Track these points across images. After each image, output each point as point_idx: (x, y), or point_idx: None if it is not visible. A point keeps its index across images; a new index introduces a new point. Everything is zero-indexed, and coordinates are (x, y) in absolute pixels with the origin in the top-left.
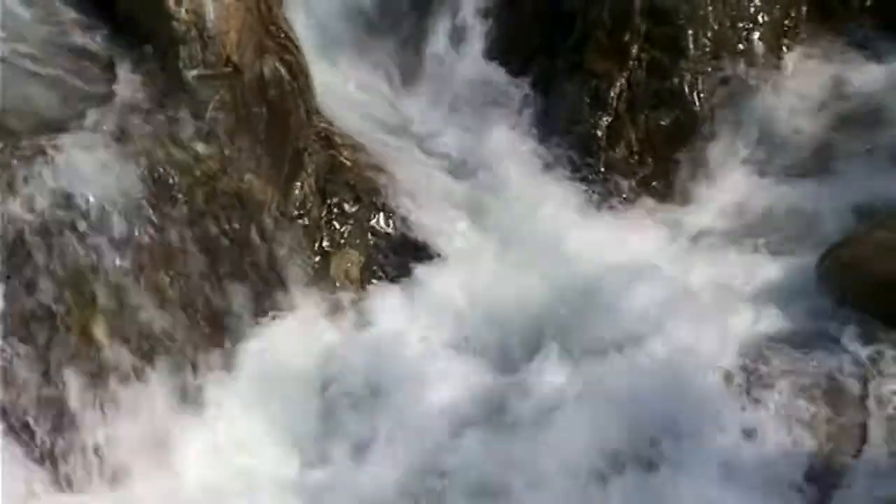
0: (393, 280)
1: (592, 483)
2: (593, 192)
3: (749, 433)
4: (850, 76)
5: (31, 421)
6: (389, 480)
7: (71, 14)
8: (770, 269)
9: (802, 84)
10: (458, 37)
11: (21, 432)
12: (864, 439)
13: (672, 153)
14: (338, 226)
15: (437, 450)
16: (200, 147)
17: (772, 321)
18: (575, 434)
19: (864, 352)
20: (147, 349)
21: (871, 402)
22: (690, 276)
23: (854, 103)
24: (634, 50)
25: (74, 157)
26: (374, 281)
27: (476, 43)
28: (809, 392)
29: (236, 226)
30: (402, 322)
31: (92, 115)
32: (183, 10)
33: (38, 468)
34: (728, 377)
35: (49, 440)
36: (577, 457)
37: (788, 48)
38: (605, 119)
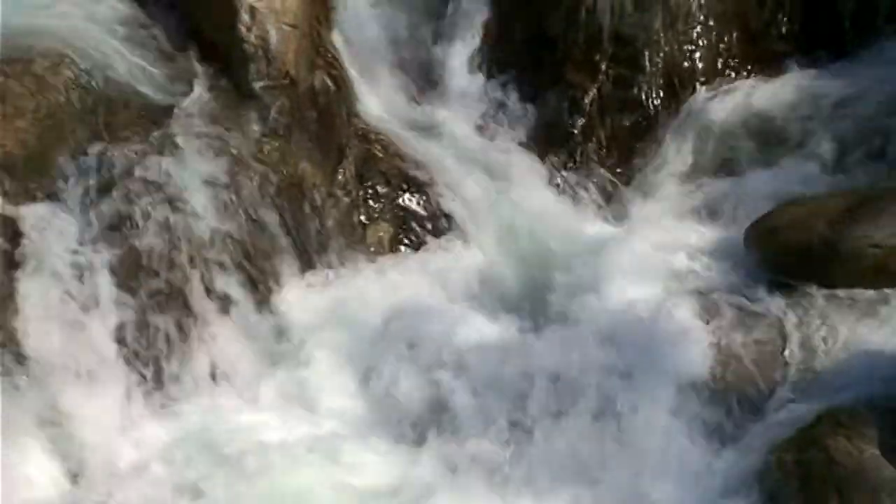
0: (415, 248)
1: (567, 392)
2: (571, 176)
3: (692, 363)
4: (769, 89)
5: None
6: (415, 396)
7: (166, 40)
8: (708, 237)
9: (733, 95)
10: (465, 57)
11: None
12: (783, 364)
13: (633, 148)
14: (372, 203)
15: (452, 363)
16: (266, 141)
17: (710, 276)
18: (553, 360)
19: (779, 299)
20: (228, 295)
21: (781, 345)
22: (647, 244)
23: (772, 111)
24: (603, 66)
25: (172, 148)
26: (400, 247)
27: (479, 62)
28: (739, 330)
29: (293, 202)
30: (421, 280)
31: (184, 118)
32: (252, 36)
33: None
34: (673, 319)
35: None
36: (552, 376)
37: (723, 66)
38: (580, 120)
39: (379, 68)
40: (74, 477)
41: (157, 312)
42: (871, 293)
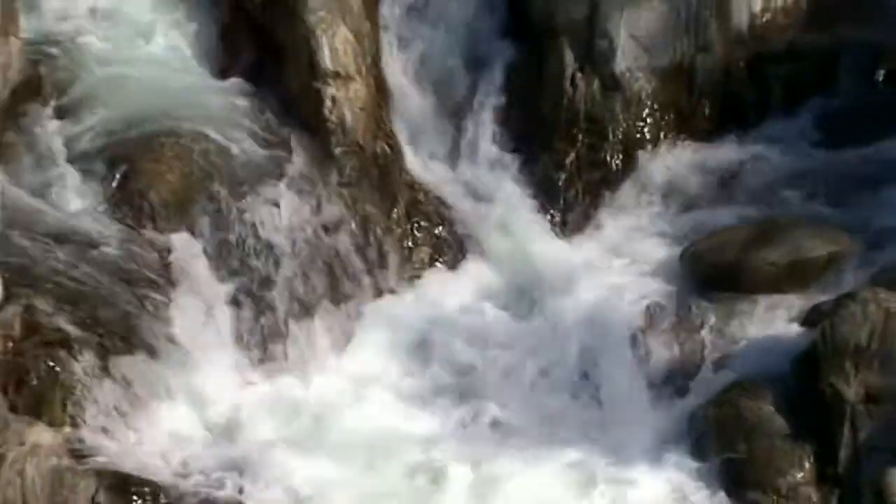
0: (447, 265)
1: (551, 367)
2: (559, 213)
3: (642, 352)
4: (695, 154)
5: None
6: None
7: (273, 120)
8: (654, 257)
9: (672, 158)
10: (484, 130)
11: (244, 343)
12: (705, 348)
13: (601, 194)
14: (417, 234)
15: (474, 345)
16: (343, 190)
17: (655, 285)
18: (541, 344)
19: (704, 302)
20: (315, 299)
21: (705, 335)
22: (611, 262)
23: (698, 169)
24: (580, 137)
25: (276, 195)
26: (436, 264)
27: (493, 133)
28: (675, 323)
29: (362, 232)
30: (452, 286)
31: (285, 173)
32: (334, 117)
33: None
34: (628, 315)
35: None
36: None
37: (664, 137)
38: (563, 175)
39: (421, 138)
40: (206, 423)
41: (262, 311)
42: (768, 298)
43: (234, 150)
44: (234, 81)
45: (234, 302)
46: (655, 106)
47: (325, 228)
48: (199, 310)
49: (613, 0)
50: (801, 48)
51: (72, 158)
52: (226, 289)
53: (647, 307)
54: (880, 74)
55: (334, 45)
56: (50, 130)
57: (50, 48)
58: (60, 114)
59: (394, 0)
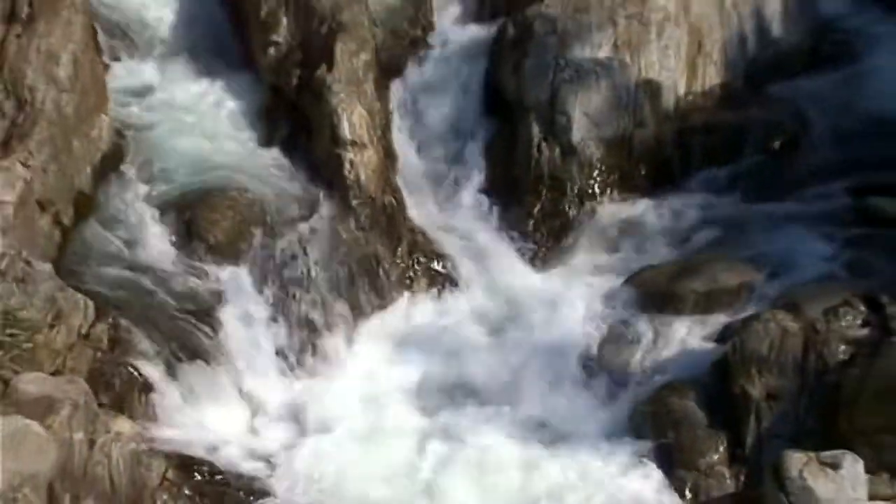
0: (439, 292)
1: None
2: (528, 251)
3: (589, 356)
4: (635, 206)
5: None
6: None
7: (303, 177)
8: (602, 286)
9: (617, 209)
10: (470, 185)
11: (281, 351)
12: (641, 357)
13: (561, 237)
14: (416, 268)
15: (461, 354)
16: (359, 233)
17: (603, 309)
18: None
19: (641, 321)
20: (336, 317)
21: (642, 347)
22: (567, 288)
23: (638, 217)
24: (544, 192)
25: (307, 238)
26: (431, 290)
27: (478, 188)
28: (617, 337)
29: (374, 267)
30: (445, 308)
31: (313, 220)
32: (352, 176)
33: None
34: (580, 330)
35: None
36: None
37: (610, 193)
38: (531, 222)
39: (420, 193)
40: (252, 414)
41: (296, 327)
42: (692, 318)
43: (273, 201)
44: (274, 149)
45: (273, 320)
46: (603, 168)
47: (345, 262)
48: (245, 326)
49: (569, 86)
50: (715, 123)
51: (148, 209)
52: (266, 310)
53: (596, 325)
54: (776, 144)
55: (352, 120)
56: (131, 188)
57: (131, 123)
58: (139, 175)
59: (398, 86)
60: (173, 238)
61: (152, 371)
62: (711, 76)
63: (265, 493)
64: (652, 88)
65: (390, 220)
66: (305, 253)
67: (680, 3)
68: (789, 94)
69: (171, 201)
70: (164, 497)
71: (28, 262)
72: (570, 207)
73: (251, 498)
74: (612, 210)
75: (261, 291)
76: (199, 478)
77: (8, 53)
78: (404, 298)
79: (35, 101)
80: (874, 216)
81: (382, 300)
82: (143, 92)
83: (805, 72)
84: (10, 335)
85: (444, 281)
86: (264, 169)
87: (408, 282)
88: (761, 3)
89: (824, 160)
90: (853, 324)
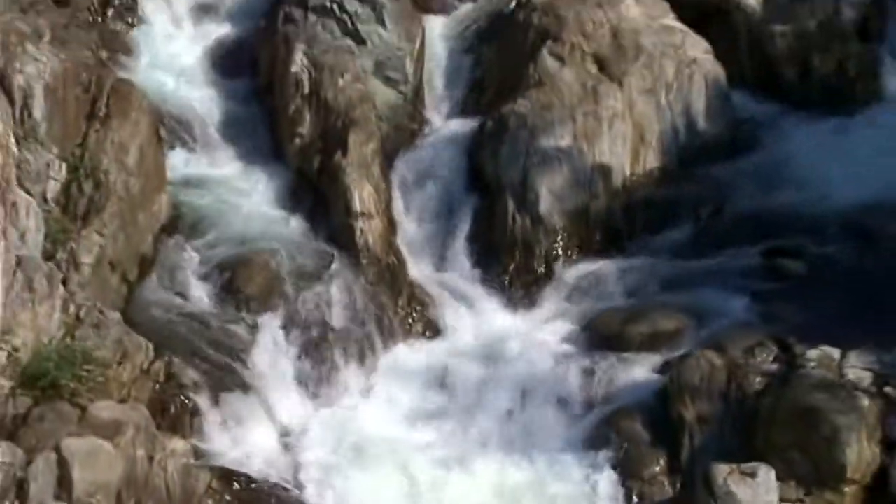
0: (433, 334)
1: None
2: (506, 302)
3: (559, 385)
4: (594, 265)
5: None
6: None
7: (322, 238)
8: (565, 329)
9: (577, 268)
10: (460, 247)
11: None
12: (599, 385)
13: (533, 289)
14: (415, 315)
15: (447, 394)
16: (367, 286)
17: (567, 348)
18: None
19: (597, 359)
20: (349, 357)
21: (599, 378)
22: (538, 330)
23: (596, 273)
24: (516, 254)
25: (327, 288)
26: (427, 333)
27: (467, 250)
28: (578, 369)
29: (381, 312)
30: (439, 348)
31: (329, 275)
32: (362, 241)
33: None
34: (550, 363)
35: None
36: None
37: (571, 255)
38: (507, 277)
39: (418, 254)
40: (280, 434)
41: (317, 362)
42: (638, 355)
43: (298, 262)
44: (299, 220)
45: (298, 357)
46: (565, 234)
47: (357, 310)
48: (275, 362)
49: (538, 168)
50: (655, 198)
51: (197, 268)
52: (293, 348)
53: (562, 361)
54: (703, 215)
55: (362, 196)
56: (183, 252)
57: (184, 200)
58: (190, 241)
59: (399, 168)
60: (216, 292)
61: (199, 399)
62: (651, 160)
63: (293, 500)
64: (604, 170)
65: (393, 276)
66: (325, 303)
67: (626, 103)
68: (713, 175)
69: (215, 262)
70: (209, 502)
71: (101, 311)
72: (539, 266)
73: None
74: (573, 268)
75: (288, 334)
76: (237, 486)
77: (89, 144)
78: (405, 340)
79: (108, 182)
80: (781, 273)
81: (387, 341)
82: (194, 175)
83: (725, 157)
84: (87, 370)
85: (437, 325)
86: (291, 236)
87: (408, 326)
88: (689, 103)
89: (742, 228)
90: (767, 360)
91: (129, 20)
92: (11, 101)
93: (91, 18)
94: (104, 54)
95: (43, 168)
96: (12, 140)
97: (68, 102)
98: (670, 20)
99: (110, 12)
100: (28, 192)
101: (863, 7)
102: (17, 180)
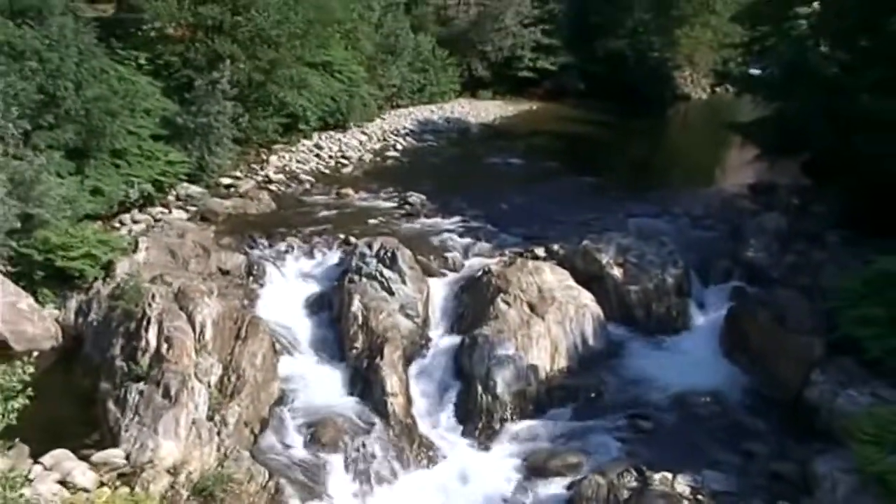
0: (434, 464)
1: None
2: (478, 446)
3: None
4: (531, 424)
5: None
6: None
7: (368, 409)
8: (512, 461)
9: (521, 425)
10: (446, 412)
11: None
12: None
13: (495, 438)
14: (421, 453)
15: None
16: (394, 437)
17: (515, 473)
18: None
19: (531, 480)
20: (383, 481)
21: (530, 494)
22: (501, 463)
23: (533, 430)
24: (482, 417)
25: (366, 441)
26: (431, 465)
27: (451, 415)
28: (520, 487)
29: (399, 455)
30: (435, 472)
31: (369, 434)
32: (391, 410)
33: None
34: (504, 483)
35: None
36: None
37: (517, 417)
38: (477, 432)
39: (424, 418)
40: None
41: (364, 482)
42: (558, 478)
43: (351, 423)
44: (355, 398)
45: (353, 480)
46: (513, 405)
47: (387, 453)
48: (338, 479)
49: (496, 367)
50: (565, 384)
51: (293, 425)
52: (349, 474)
53: (510, 482)
54: (593, 394)
55: (392, 383)
56: (286, 415)
57: (286, 387)
58: (290, 410)
59: (413, 367)
60: (303, 440)
61: None
62: (562, 363)
63: None
64: (534, 369)
65: (409, 431)
66: (368, 449)
67: (546, 329)
68: (597, 372)
69: (304, 422)
70: None
71: (238, 451)
72: (495, 424)
73: None
74: (516, 426)
75: (347, 469)
76: None
77: (234, 354)
78: (418, 469)
79: (244, 376)
80: (638, 428)
81: (408, 468)
82: (293, 372)
83: (603, 362)
84: (230, 486)
85: (436, 459)
86: (349, 409)
87: (418, 460)
88: (582, 329)
89: (613, 402)
90: (631, 481)
91: (261, 282)
92: (193, 328)
93: (240, 282)
94: (246, 302)
95: (208, 367)
96: (193, 351)
97: (224, 329)
98: (571, 282)
99: (251, 279)
100: (199, 381)
101: (679, 276)
102: (194, 375)
